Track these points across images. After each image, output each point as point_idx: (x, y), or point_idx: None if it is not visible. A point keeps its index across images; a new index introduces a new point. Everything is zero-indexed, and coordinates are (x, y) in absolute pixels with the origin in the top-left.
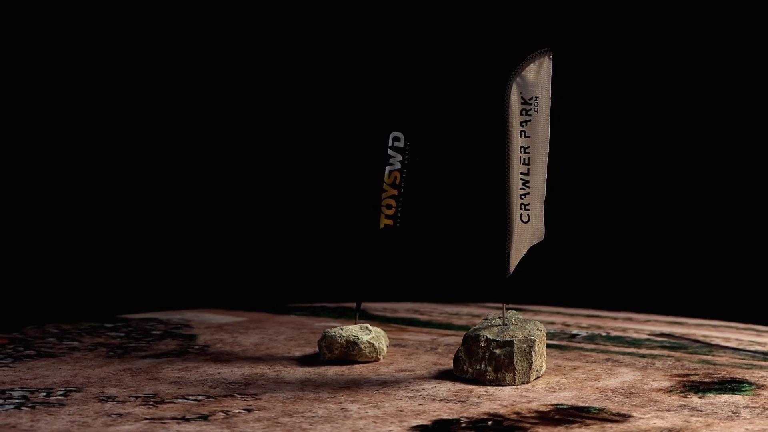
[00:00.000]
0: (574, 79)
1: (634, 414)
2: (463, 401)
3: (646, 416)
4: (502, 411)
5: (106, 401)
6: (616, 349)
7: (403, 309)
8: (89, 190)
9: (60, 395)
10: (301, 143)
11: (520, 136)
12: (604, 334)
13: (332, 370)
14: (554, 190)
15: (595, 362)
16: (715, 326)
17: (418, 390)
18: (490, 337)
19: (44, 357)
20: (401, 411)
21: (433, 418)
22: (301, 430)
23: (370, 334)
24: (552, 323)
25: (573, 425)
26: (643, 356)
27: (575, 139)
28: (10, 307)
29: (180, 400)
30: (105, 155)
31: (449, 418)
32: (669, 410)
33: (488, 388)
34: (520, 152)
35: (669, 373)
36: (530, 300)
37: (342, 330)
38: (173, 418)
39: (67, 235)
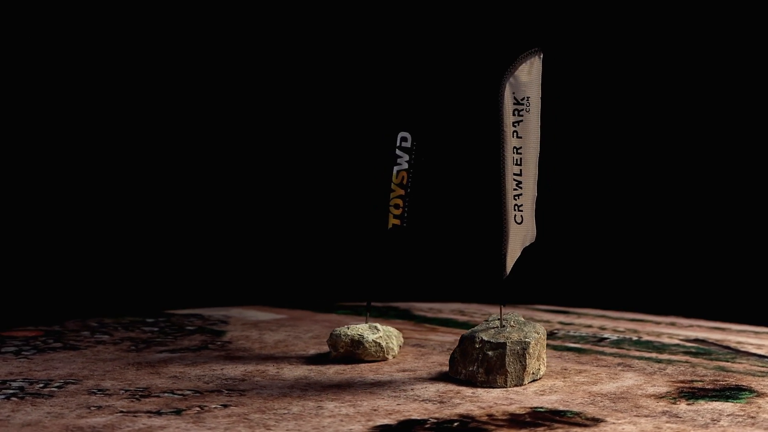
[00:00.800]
0: (582, 78)
1: (608, 419)
2: (444, 402)
3: (619, 421)
4: (476, 413)
5: (96, 394)
6: (637, 353)
7: (448, 309)
8: (143, 188)
9: (55, 387)
10: (326, 143)
11: (513, 137)
12: (635, 338)
13: (333, 369)
14: (602, 192)
15: (605, 366)
16: (757, 333)
17: (406, 390)
18: (485, 338)
19: (67, 350)
20: (375, 410)
21: (402, 418)
22: (265, 426)
23: (376, 334)
24: (589, 327)
25: (539, 428)
26: (659, 361)
27: (620, 141)
28: (61, 300)
29: (166, 395)
30: (157, 155)
31: (418, 418)
32: (647, 416)
33: (477, 389)
34: (513, 153)
35: (673, 379)
36: (580, 303)
37: (348, 329)
38: (147, 412)
39: (122, 231)
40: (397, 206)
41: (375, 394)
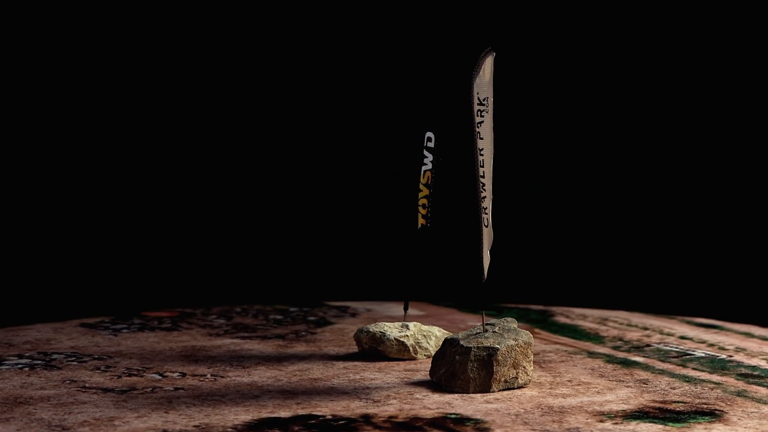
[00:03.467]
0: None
1: (496, 430)
2: (377, 402)
3: None
4: (384, 414)
5: (96, 369)
6: (683, 372)
7: (594, 316)
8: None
9: (78, 362)
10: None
11: (477, 138)
12: (723, 357)
13: (343, 364)
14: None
15: (616, 381)
16: None
17: (369, 389)
18: (461, 342)
19: (164, 330)
20: (298, 404)
21: (303, 413)
22: (165, 411)
23: (402, 332)
24: (702, 342)
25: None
26: (689, 380)
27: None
28: (243, 286)
29: (151, 375)
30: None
31: (317, 414)
32: (543, 430)
33: (435, 393)
34: (479, 155)
35: (660, 398)
36: (736, 317)
37: (374, 326)
38: (100, 388)
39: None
40: (424, 206)
41: (330, 389)
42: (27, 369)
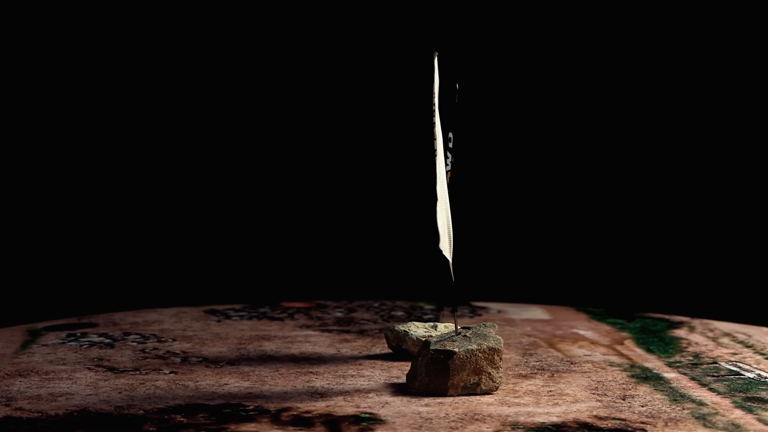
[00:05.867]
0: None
1: (380, 430)
2: (321, 397)
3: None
4: (303, 409)
5: (139, 351)
6: (690, 392)
7: (720, 330)
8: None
9: (139, 343)
10: None
11: (432, 139)
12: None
13: (361, 362)
14: None
15: (599, 395)
16: None
17: (340, 386)
18: (430, 344)
19: (270, 320)
20: (249, 395)
21: (235, 403)
22: (122, 390)
23: (427, 332)
24: None
25: (299, 427)
26: (675, 399)
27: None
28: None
29: (175, 359)
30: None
31: (245, 404)
32: None
33: (391, 394)
34: (435, 157)
35: (599, 414)
36: None
37: (403, 324)
38: (107, 368)
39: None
40: None
41: (303, 384)
42: (85, 346)
